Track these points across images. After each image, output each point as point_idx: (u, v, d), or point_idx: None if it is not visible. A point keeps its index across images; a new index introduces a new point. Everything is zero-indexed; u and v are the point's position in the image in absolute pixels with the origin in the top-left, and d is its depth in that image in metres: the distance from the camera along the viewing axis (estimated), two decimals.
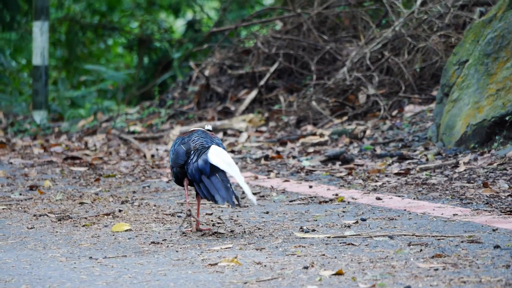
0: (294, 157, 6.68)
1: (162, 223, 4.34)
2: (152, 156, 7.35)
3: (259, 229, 4.12)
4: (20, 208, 4.85)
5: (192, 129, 4.13)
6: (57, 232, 4.18)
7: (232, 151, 7.19)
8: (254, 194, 5.20)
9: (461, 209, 4.42)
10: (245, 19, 9.54)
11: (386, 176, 5.64)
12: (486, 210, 4.37)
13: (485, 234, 3.79)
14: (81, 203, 4.98)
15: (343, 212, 4.53)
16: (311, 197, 5.01)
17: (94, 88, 13.41)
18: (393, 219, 4.26)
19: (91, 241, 3.95)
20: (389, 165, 6.00)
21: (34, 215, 4.61)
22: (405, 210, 4.49)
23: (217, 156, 3.89)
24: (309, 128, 7.66)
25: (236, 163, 6.60)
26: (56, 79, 13.88)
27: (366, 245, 3.65)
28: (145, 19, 14.04)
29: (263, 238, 3.90)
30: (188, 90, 9.27)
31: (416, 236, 3.79)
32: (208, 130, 4.13)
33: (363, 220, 4.24)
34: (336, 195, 5.04)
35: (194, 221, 4.17)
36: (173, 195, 5.30)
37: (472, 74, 6.23)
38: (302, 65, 8.71)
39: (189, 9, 14.32)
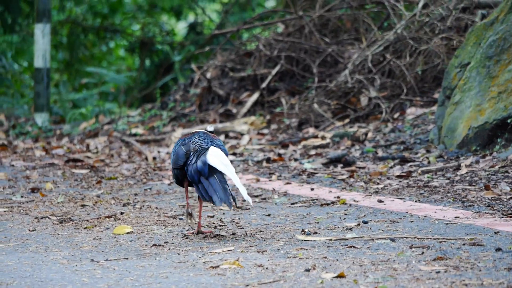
0: (295, 160, 6.68)
1: (163, 225, 4.34)
2: (154, 158, 7.34)
3: (260, 231, 4.12)
4: (21, 211, 4.85)
5: (194, 130, 4.13)
6: (58, 234, 4.18)
7: (234, 154, 7.19)
8: (256, 196, 5.20)
9: (463, 212, 4.42)
10: (247, 22, 9.54)
11: (388, 178, 5.64)
12: (488, 213, 4.37)
13: (487, 236, 3.78)
14: (83, 206, 4.98)
15: (345, 214, 4.52)
16: (313, 200, 5.01)
17: (95, 90, 13.41)
18: (394, 221, 4.26)
19: (92, 243, 3.95)
20: (391, 167, 6.00)
21: (36, 218, 4.61)
22: (406, 212, 4.49)
23: (216, 157, 3.90)
24: (311, 130, 7.66)
25: (238, 166, 6.60)
26: (57, 82, 13.88)
27: (368, 247, 3.65)
28: (147, 22, 14.05)
29: (264, 240, 3.90)
30: (190, 93, 9.27)
31: (418, 238, 3.79)
32: (210, 131, 4.13)
33: (365, 222, 4.24)
34: (338, 197, 5.03)
35: (195, 223, 4.17)
36: (175, 198, 5.29)
37: (474, 76, 6.22)
38: (304, 68, 8.71)
39: (191, 11, 14.33)
